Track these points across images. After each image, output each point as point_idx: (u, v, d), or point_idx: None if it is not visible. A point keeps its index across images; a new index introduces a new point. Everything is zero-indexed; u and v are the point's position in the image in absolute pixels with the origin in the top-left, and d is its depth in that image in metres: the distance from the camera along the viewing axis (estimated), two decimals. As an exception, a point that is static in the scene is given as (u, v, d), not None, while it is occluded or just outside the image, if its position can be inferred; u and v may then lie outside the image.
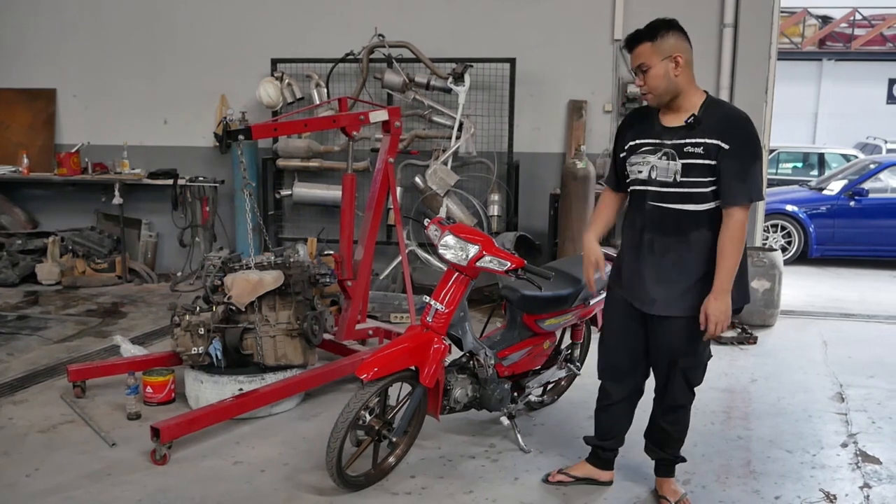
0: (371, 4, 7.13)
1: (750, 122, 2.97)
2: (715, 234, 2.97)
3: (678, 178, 2.96)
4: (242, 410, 4.01)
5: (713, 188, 2.94)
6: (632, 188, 3.15)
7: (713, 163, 2.90)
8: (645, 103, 3.10)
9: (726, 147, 2.88)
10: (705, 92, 3.05)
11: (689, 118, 2.96)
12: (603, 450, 3.48)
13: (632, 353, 3.27)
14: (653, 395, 3.32)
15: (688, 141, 2.94)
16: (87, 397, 4.42)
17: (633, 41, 2.99)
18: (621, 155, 3.20)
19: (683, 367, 3.14)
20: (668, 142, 2.99)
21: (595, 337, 4.42)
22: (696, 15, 6.54)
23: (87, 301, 6.77)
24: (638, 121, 3.17)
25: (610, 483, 3.51)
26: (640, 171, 3.07)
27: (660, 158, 3.00)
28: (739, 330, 5.88)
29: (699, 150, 2.92)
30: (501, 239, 3.84)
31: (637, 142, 3.10)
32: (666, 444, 3.35)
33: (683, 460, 3.41)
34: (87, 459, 3.67)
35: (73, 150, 7.50)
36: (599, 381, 3.42)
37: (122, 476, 3.49)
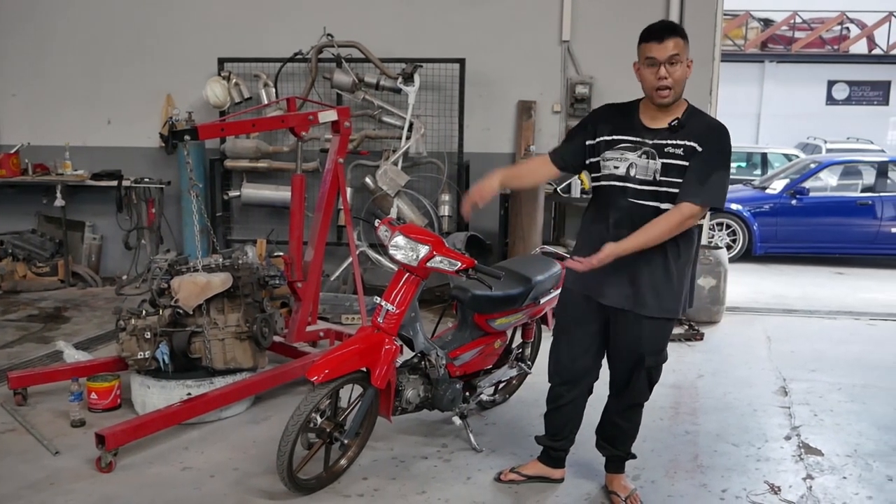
0: (320, 4, 7.07)
1: (728, 135, 3.02)
2: (689, 235, 3.03)
3: (657, 177, 2.98)
4: (191, 415, 3.94)
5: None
6: (604, 183, 3.11)
7: (687, 164, 2.95)
8: (615, 101, 3.14)
9: (700, 150, 2.93)
10: (685, 100, 3.06)
11: (673, 121, 2.99)
12: (554, 449, 3.51)
13: (588, 353, 3.27)
14: (605, 392, 3.35)
15: (669, 142, 2.97)
16: (29, 405, 4.31)
17: (668, 31, 2.92)
18: (588, 141, 3.15)
19: (649, 366, 3.19)
20: (650, 141, 3.00)
21: (546, 336, 4.48)
22: (642, 16, 6.51)
23: (29, 306, 6.59)
24: (616, 116, 3.14)
25: (561, 480, 3.55)
26: (616, 167, 3.06)
27: (639, 156, 3.01)
28: (687, 327, 5.98)
29: (679, 151, 2.95)
30: (452, 239, 3.84)
31: (616, 137, 3.07)
32: (619, 440, 3.40)
33: (634, 456, 3.47)
34: (30, 469, 3.57)
35: (12, 151, 7.29)
36: (550, 382, 3.42)
37: (67, 485, 3.41)
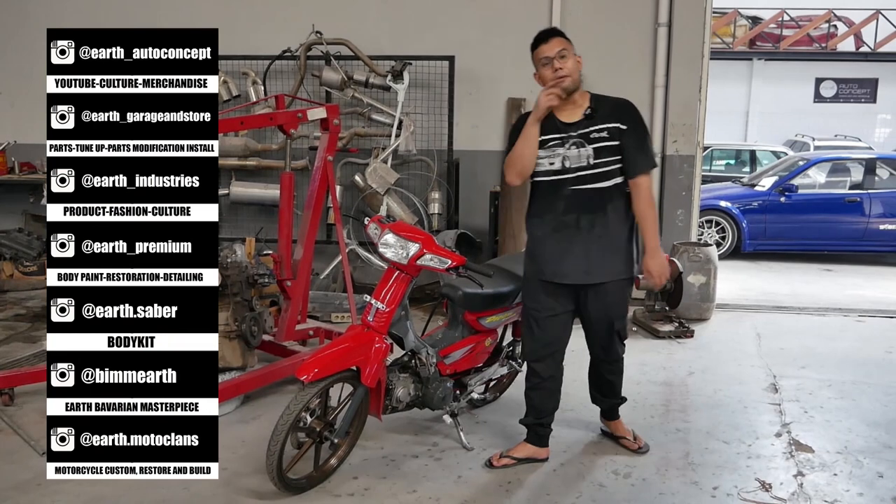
0: (308, 1, 7.04)
1: (634, 105, 3.48)
2: (624, 205, 3.44)
3: (591, 162, 3.36)
4: (180, 415, 3.92)
5: (619, 166, 3.38)
6: (542, 179, 3.45)
7: (617, 143, 3.36)
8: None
9: (624, 127, 3.36)
10: (586, 91, 3.46)
11: (586, 110, 3.39)
12: (542, 426, 3.68)
13: (564, 330, 3.59)
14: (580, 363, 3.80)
15: (592, 129, 3.36)
16: (16, 405, 4.27)
17: (552, 33, 3.40)
18: None
19: (618, 329, 3.60)
20: (574, 133, 3.37)
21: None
22: (632, 14, 6.64)
23: (16, 305, 6.54)
24: None
25: (546, 459, 3.70)
26: (551, 164, 3.40)
27: (569, 148, 3.37)
28: (676, 324, 5.99)
29: (604, 133, 3.35)
30: (442, 237, 3.84)
31: (542, 138, 3.41)
32: (613, 391, 3.84)
33: (625, 399, 3.92)
34: (17, 469, 3.55)
35: (-2, 150, 7.25)
36: (527, 363, 3.66)
37: (54, 486, 3.38)
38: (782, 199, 9.80)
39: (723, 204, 9.86)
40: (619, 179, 3.40)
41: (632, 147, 3.37)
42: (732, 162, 14.05)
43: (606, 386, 3.82)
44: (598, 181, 3.36)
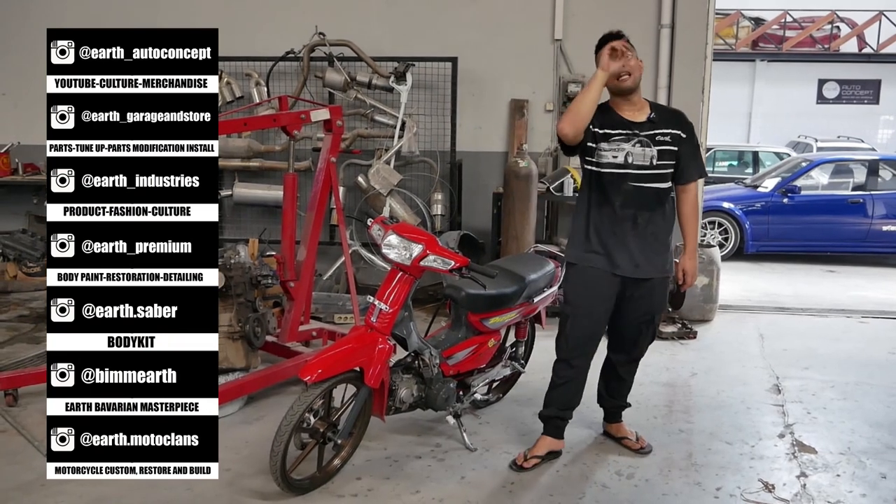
0: (312, 2, 7.04)
1: (687, 117, 3.64)
2: (672, 207, 3.60)
3: (654, 162, 3.46)
4: (182, 416, 3.91)
5: (671, 170, 3.52)
6: (604, 170, 3.49)
7: (675, 148, 3.50)
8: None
9: (684, 136, 3.52)
10: (644, 99, 3.59)
11: (650, 115, 3.50)
12: (562, 419, 3.73)
13: (602, 325, 3.66)
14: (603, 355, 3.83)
15: (657, 132, 3.48)
16: (20, 406, 4.27)
17: (620, 34, 3.48)
18: (592, 128, 3.46)
19: (656, 322, 3.77)
20: (641, 133, 3.46)
21: (541, 335, 4.48)
22: (635, 15, 6.64)
23: (20, 306, 6.55)
24: (598, 115, 3.44)
25: (562, 450, 3.77)
26: (615, 157, 3.47)
27: (634, 146, 3.45)
28: (680, 325, 5.98)
29: (667, 138, 3.48)
30: (445, 238, 3.84)
31: (607, 131, 3.47)
32: (622, 392, 3.91)
33: (629, 405, 3.97)
34: (20, 470, 3.55)
35: (2, 151, 7.24)
36: (561, 358, 3.67)
37: (57, 486, 3.37)
38: (785, 200, 9.79)
39: (726, 205, 9.85)
40: (670, 183, 3.56)
41: (687, 154, 3.53)
42: (735, 163, 14.04)
43: (618, 386, 3.88)
44: (657, 181, 3.49)
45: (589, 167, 3.54)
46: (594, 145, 3.48)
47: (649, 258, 3.52)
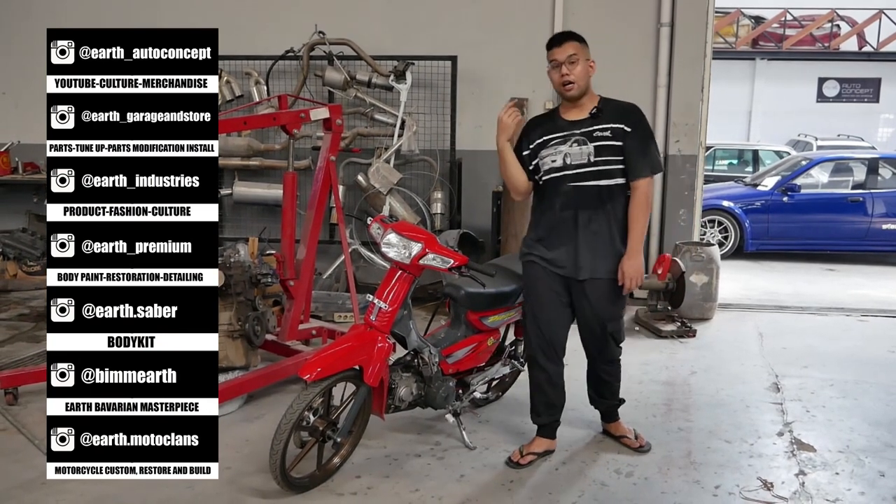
0: (311, 1, 7.05)
1: (641, 110, 3.54)
2: (624, 206, 3.48)
3: (591, 159, 3.41)
4: (183, 414, 3.92)
5: (621, 166, 3.43)
6: (545, 178, 3.51)
7: (619, 143, 3.41)
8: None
9: (629, 129, 3.41)
10: (598, 94, 3.55)
11: (593, 110, 3.45)
12: (556, 421, 3.75)
13: (565, 323, 3.62)
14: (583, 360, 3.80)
15: (596, 127, 3.42)
16: (20, 404, 4.28)
17: (565, 37, 3.50)
18: (525, 153, 3.57)
19: (611, 331, 3.62)
20: (577, 131, 3.44)
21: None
22: (634, 14, 6.64)
23: (20, 305, 6.56)
24: (542, 123, 3.59)
25: (554, 450, 3.77)
26: (553, 161, 3.47)
27: (570, 146, 3.43)
28: (679, 323, 5.99)
29: (607, 133, 3.41)
30: (445, 236, 3.84)
31: (546, 137, 3.49)
32: (610, 392, 3.85)
33: (623, 401, 3.93)
34: (21, 468, 3.56)
35: (2, 150, 7.25)
36: (529, 356, 3.69)
37: (58, 485, 3.38)
38: (785, 198, 9.79)
39: (725, 204, 9.85)
40: (620, 180, 3.45)
41: (634, 150, 3.42)
42: (735, 162, 14.03)
43: (603, 387, 3.84)
44: (598, 179, 3.42)
45: (539, 180, 3.55)
46: (537, 160, 3.52)
47: (590, 259, 3.45)
